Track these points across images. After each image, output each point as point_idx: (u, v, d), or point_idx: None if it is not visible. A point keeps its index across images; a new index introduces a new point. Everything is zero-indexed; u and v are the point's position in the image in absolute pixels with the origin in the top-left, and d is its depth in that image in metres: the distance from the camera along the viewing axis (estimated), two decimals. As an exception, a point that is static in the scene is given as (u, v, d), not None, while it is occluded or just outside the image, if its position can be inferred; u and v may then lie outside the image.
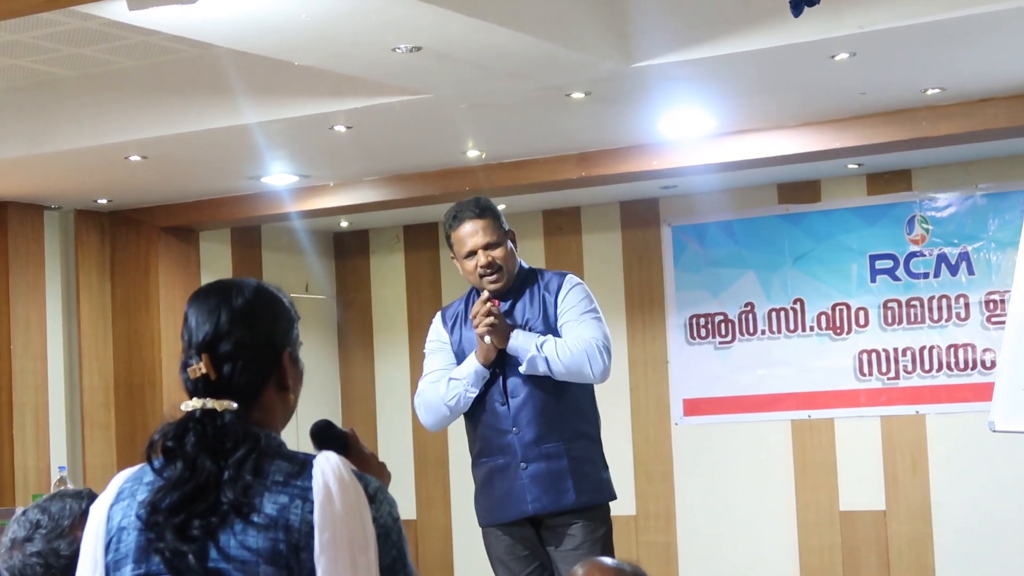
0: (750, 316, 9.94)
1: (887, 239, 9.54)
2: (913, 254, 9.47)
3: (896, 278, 9.52)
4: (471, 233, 5.57)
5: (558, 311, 5.56)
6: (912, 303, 9.48)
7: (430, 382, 5.69)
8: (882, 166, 9.37)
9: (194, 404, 2.70)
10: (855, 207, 9.65)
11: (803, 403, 9.78)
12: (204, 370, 2.70)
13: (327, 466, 2.65)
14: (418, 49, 6.13)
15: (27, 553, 3.29)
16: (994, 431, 6.98)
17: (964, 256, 9.34)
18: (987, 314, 9.28)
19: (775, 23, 6.32)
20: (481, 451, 5.66)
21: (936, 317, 9.41)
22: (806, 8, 4.57)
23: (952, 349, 9.37)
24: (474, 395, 5.55)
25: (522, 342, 5.47)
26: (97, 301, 9.77)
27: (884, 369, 9.54)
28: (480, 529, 5.75)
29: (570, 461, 5.53)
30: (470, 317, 5.53)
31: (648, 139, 8.39)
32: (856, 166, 9.31)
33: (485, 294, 5.55)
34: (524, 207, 9.98)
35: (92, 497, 3.04)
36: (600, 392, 5.74)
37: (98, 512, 2.76)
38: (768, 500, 9.86)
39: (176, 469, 2.66)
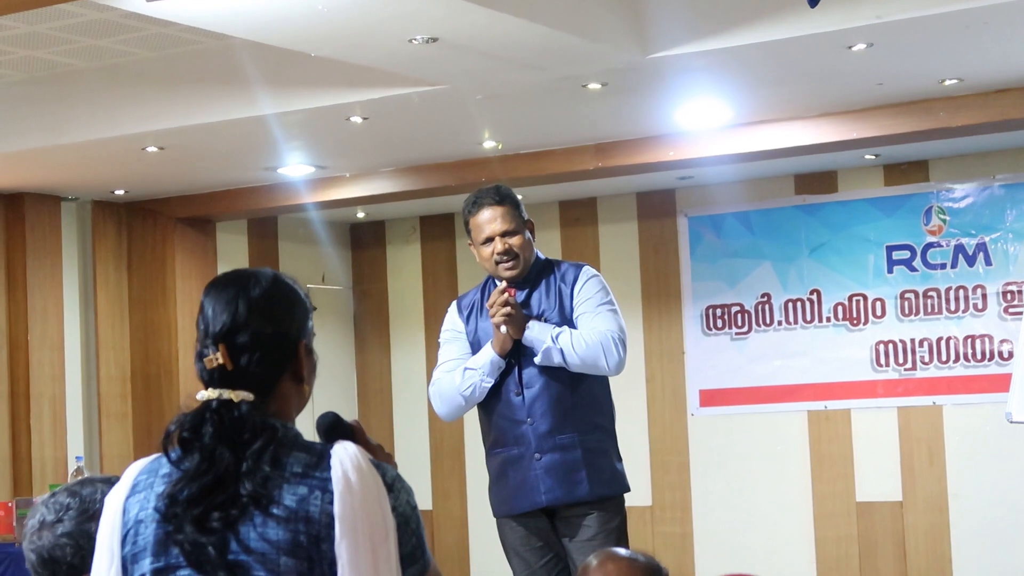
0: (766, 307, 9.93)
1: (904, 230, 9.52)
2: (930, 245, 9.46)
3: (913, 269, 9.50)
4: (489, 220, 5.57)
5: (574, 302, 5.56)
6: (929, 294, 9.46)
7: (445, 371, 5.68)
8: (899, 157, 9.35)
9: (210, 394, 2.70)
10: (872, 198, 9.63)
11: (820, 394, 9.77)
12: (221, 360, 2.69)
13: (345, 456, 2.64)
14: (435, 40, 6.13)
15: (57, 534, 3.28)
16: (1011, 422, 6.98)
17: (981, 247, 9.32)
18: (1004, 305, 9.26)
19: (792, 14, 6.31)
20: (495, 441, 5.65)
21: (953, 308, 9.39)
22: (823, -1, 4.56)
23: (969, 340, 9.35)
24: (490, 385, 5.55)
25: (538, 333, 5.46)
26: (114, 292, 9.79)
27: (901, 360, 9.53)
28: (495, 520, 5.75)
29: (584, 453, 5.53)
30: (487, 306, 5.53)
31: (665, 130, 8.38)
32: (873, 157, 9.29)
33: (502, 284, 5.54)
34: (540, 198, 9.98)
35: None
36: (616, 383, 5.74)
37: (113, 504, 2.75)
38: (784, 491, 9.85)
39: (194, 460, 2.65)
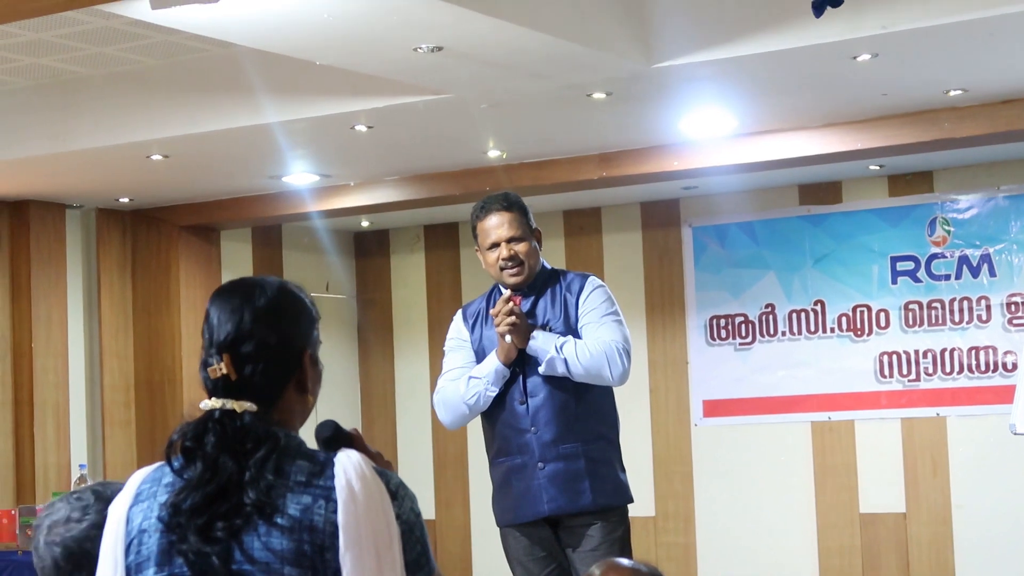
0: (770, 317, 9.92)
1: (908, 240, 9.52)
2: (934, 256, 9.45)
3: (917, 280, 9.49)
4: (496, 225, 5.56)
5: (579, 312, 5.55)
6: (933, 305, 9.46)
7: (450, 380, 5.68)
8: (904, 167, 9.34)
9: (213, 404, 2.69)
10: (876, 208, 9.63)
11: (823, 405, 9.76)
12: (225, 370, 2.69)
13: (349, 464, 2.63)
14: (439, 49, 6.13)
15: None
16: (1015, 434, 6.96)
17: (986, 258, 9.31)
18: (1008, 316, 9.25)
19: (797, 24, 6.31)
20: (499, 450, 5.64)
21: (957, 319, 9.39)
22: (828, 9, 4.56)
23: (973, 351, 9.34)
24: (494, 394, 5.54)
25: (542, 343, 5.45)
26: (118, 299, 9.79)
27: (905, 371, 9.52)
28: (498, 529, 5.75)
29: (587, 462, 5.52)
30: (491, 315, 5.52)
31: (669, 139, 8.38)
32: (878, 167, 9.29)
33: (507, 293, 5.53)
34: (545, 207, 9.98)
35: None
36: (619, 393, 5.73)
37: (117, 513, 2.74)
38: (788, 502, 9.84)
39: (196, 469, 2.64)
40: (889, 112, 7.90)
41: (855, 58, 6.61)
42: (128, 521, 2.72)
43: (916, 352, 9.49)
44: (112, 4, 5.47)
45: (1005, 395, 9.09)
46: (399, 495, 2.66)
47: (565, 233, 10.51)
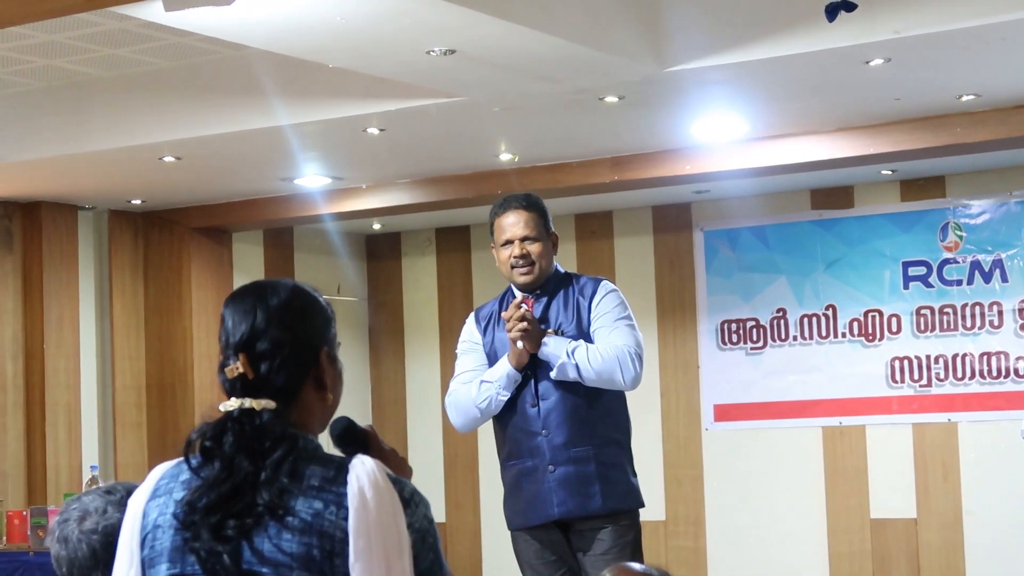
0: (782, 322, 9.91)
1: (920, 246, 9.50)
2: (946, 261, 9.44)
3: (929, 285, 9.48)
4: (513, 223, 5.57)
5: (591, 316, 5.55)
6: (945, 310, 9.44)
7: (461, 383, 5.68)
8: (916, 172, 9.33)
9: (232, 404, 2.70)
10: (888, 213, 9.61)
11: (835, 410, 9.75)
12: (241, 369, 2.70)
13: (363, 471, 2.63)
14: (452, 52, 6.13)
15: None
16: (1026, 439, 6.96)
17: (998, 263, 9.30)
18: (1020, 322, 9.23)
19: (810, 28, 6.30)
20: (510, 453, 5.64)
21: (969, 324, 9.37)
22: (841, 13, 4.56)
23: (985, 357, 9.33)
24: (505, 398, 5.54)
25: (553, 348, 5.45)
26: (130, 301, 9.81)
27: (916, 376, 9.51)
28: (509, 532, 5.74)
29: (598, 466, 5.51)
30: (503, 319, 5.52)
31: (681, 143, 8.38)
32: (890, 172, 9.27)
33: (519, 298, 5.54)
34: (556, 211, 9.86)
35: None
36: (631, 397, 5.73)
37: (135, 507, 2.76)
38: (798, 507, 9.83)
39: (213, 469, 2.66)
40: (902, 117, 7.89)
41: (868, 63, 6.61)
42: (145, 515, 2.74)
43: (928, 357, 9.48)
44: (125, 6, 5.48)
45: (1017, 401, 9.10)
46: (412, 503, 2.66)
47: (576, 237, 10.51)
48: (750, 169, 8.58)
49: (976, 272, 9.36)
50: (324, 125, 7.52)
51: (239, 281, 10.17)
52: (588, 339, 5.51)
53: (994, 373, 9.29)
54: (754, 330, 10.00)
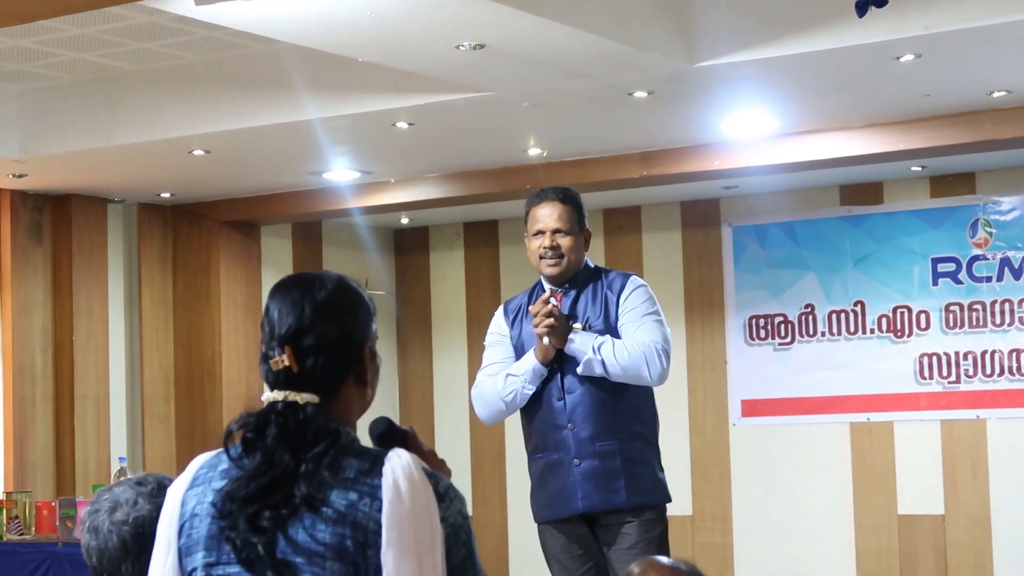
0: (810, 318, 9.89)
1: (950, 242, 9.48)
2: (976, 257, 9.41)
3: (958, 281, 9.45)
4: (547, 215, 5.58)
5: (619, 311, 5.54)
6: (974, 307, 9.41)
7: (488, 375, 5.69)
8: (946, 168, 9.30)
9: (275, 396, 2.71)
10: (918, 209, 9.59)
11: (863, 406, 9.73)
12: (287, 362, 2.70)
13: (398, 464, 2.64)
14: (482, 47, 6.13)
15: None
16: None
17: (1028, 260, 9.27)
18: (1050, 319, 9.22)
19: (840, 24, 6.29)
20: (536, 447, 5.65)
21: (998, 321, 9.34)
22: (872, 9, 4.54)
23: (1014, 353, 9.30)
24: (531, 392, 5.54)
25: (580, 344, 5.45)
26: (159, 294, 9.84)
27: (945, 373, 9.48)
28: (536, 526, 5.75)
29: (623, 461, 5.51)
30: (530, 313, 5.52)
31: (710, 139, 8.37)
32: (919, 168, 9.25)
33: (547, 293, 5.54)
34: (585, 206, 9.94)
35: None
36: (658, 392, 5.72)
37: (174, 496, 2.78)
38: (826, 503, 9.81)
39: (255, 460, 2.67)
40: (931, 113, 7.87)
41: (898, 58, 6.59)
42: (183, 504, 2.74)
43: (956, 354, 9.45)
44: (156, 1, 5.50)
45: (1046, 398, 9.07)
46: (447, 498, 2.66)
47: (605, 232, 10.51)
48: (779, 165, 8.57)
49: (1006, 269, 9.32)
50: (353, 119, 7.53)
51: (267, 275, 10.21)
52: (616, 334, 5.51)
53: (1023, 370, 9.25)
54: (782, 326, 9.99)
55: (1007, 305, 9.32)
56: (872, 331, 9.70)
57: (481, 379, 5.73)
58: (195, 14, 5.69)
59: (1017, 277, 9.29)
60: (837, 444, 9.80)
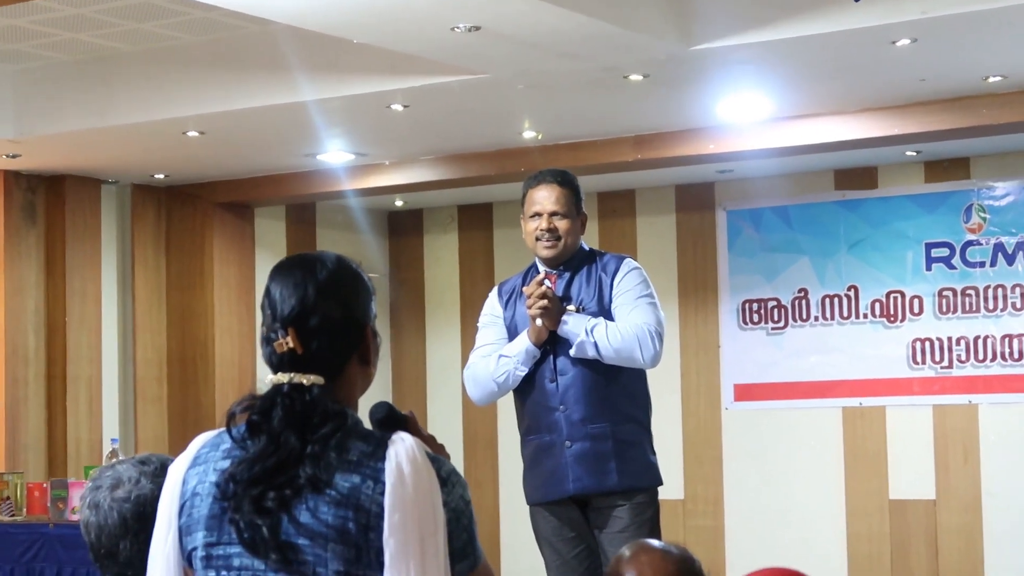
0: (804, 302, 9.90)
1: (944, 227, 9.48)
2: (970, 243, 9.41)
3: (952, 266, 9.45)
4: (544, 197, 5.58)
5: (613, 293, 5.55)
6: (967, 292, 9.42)
7: (481, 356, 5.69)
8: (940, 153, 9.30)
9: (280, 378, 2.70)
10: (912, 194, 9.59)
11: (855, 390, 9.74)
12: (291, 344, 2.70)
13: (402, 448, 2.64)
14: (477, 28, 6.13)
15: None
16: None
17: (1021, 245, 9.27)
18: (1043, 304, 9.22)
19: (836, 8, 6.29)
20: (529, 428, 5.66)
21: (991, 306, 9.35)
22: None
23: (1007, 339, 9.30)
24: (523, 373, 5.55)
25: (573, 326, 5.45)
26: (152, 275, 9.83)
27: (937, 358, 9.49)
28: (527, 509, 5.75)
29: (615, 444, 5.52)
30: (524, 295, 5.53)
31: (705, 123, 8.37)
32: (914, 153, 9.25)
33: (541, 275, 5.54)
34: (582, 189, 9.94)
35: None
36: (651, 376, 5.73)
37: (175, 474, 2.78)
38: (817, 487, 9.83)
39: (260, 443, 2.66)
40: (927, 98, 7.87)
41: (894, 43, 6.59)
42: (184, 483, 2.75)
43: (949, 339, 9.45)
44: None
45: (1038, 383, 9.08)
46: (449, 482, 2.67)
47: (599, 215, 10.50)
48: (774, 149, 8.57)
49: (999, 254, 9.33)
50: (348, 101, 7.52)
51: (261, 257, 10.20)
52: (609, 316, 5.51)
53: (1016, 355, 9.26)
54: (776, 310, 9.99)
55: (1000, 290, 9.33)
56: (865, 316, 9.70)
57: (474, 360, 5.73)
58: (190, -6, 5.68)
59: (1010, 263, 9.30)
60: (829, 429, 9.81)
